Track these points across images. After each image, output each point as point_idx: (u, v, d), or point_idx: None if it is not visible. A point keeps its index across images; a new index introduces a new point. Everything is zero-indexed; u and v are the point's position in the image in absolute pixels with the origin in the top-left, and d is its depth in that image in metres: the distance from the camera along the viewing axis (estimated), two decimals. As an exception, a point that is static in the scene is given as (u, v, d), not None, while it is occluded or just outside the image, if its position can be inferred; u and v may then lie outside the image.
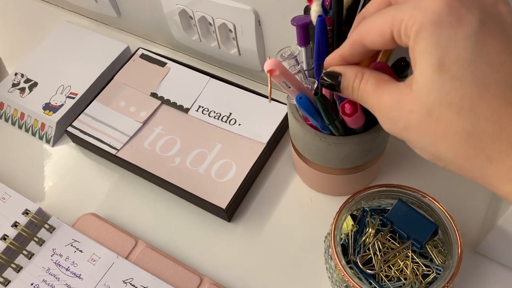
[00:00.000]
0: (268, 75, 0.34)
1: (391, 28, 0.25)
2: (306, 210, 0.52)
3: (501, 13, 0.24)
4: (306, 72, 0.42)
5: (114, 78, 0.61)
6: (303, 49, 0.40)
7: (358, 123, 0.40)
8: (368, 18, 0.28)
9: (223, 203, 0.49)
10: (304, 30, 0.39)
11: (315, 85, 0.40)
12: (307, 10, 0.42)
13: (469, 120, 0.23)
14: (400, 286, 0.39)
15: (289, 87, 0.36)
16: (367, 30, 0.27)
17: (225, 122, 0.56)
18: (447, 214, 0.40)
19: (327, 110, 0.37)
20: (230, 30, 0.55)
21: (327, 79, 0.30)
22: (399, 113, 0.26)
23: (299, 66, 0.40)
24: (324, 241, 0.44)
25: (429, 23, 0.23)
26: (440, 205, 0.40)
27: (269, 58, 0.34)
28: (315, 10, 0.36)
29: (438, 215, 0.40)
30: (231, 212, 0.51)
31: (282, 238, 0.50)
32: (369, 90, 0.28)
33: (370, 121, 0.42)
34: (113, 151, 0.55)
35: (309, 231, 0.50)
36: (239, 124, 0.55)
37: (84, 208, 0.54)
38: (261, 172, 0.54)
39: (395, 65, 0.38)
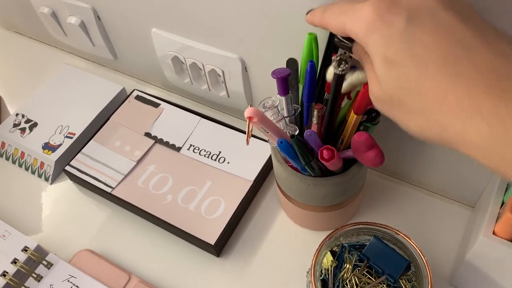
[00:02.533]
0: (247, 121, 0.38)
1: (342, 30, 0.31)
2: (291, 244, 0.54)
3: (430, 7, 0.27)
4: (287, 119, 0.45)
5: (110, 118, 0.65)
6: (283, 98, 0.44)
7: (336, 167, 0.43)
8: (328, 13, 0.33)
9: (212, 239, 0.52)
10: (284, 82, 0.43)
11: (297, 132, 0.44)
12: (288, 63, 0.46)
13: (418, 98, 0.27)
14: (376, 319, 0.42)
15: (267, 132, 0.40)
16: (327, 23, 0.33)
17: (215, 160, 0.59)
18: (418, 250, 0.43)
19: (303, 151, 0.41)
20: (219, 75, 0.58)
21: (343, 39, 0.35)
22: (376, 93, 0.30)
23: (280, 114, 0.44)
24: (306, 276, 0.47)
25: (367, 31, 0.28)
26: (412, 242, 0.43)
27: (250, 106, 0.38)
28: (330, 72, 0.39)
29: (410, 251, 0.43)
30: (219, 247, 0.53)
31: (268, 272, 0.53)
32: (369, 66, 0.32)
33: (347, 163, 0.45)
34: (108, 189, 0.58)
35: (294, 265, 0.53)
36: (228, 162, 0.59)
37: (80, 244, 0.56)
38: (248, 208, 0.57)
39: (369, 115, 0.42)
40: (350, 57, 0.36)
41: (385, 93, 0.29)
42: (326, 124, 0.43)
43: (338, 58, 0.36)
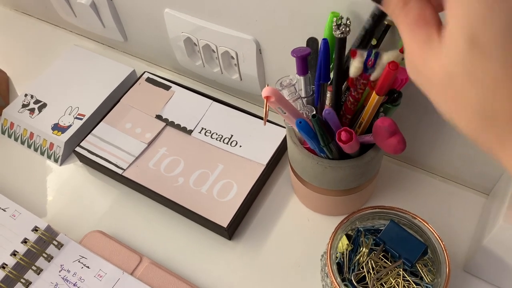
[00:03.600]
0: (265, 100, 0.37)
1: None
2: (304, 229, 0.54)
3: None
4: (304, 99, 0.44)
5: (121, 100, 0.64)
6: (302, 78, 0.43)
7: (353, 149, 0.43)
8: None
9: (224, 222, 0.52)
10: (303, 61, 0.42)
11: (314, 112, 0.43)
12: (309, 42, 0.45)
13: (488, 98, 0.23)
14: (392, 303, 0.42)
15: (285, 113, 0.39)
16: None
17: (227, 144, 0.59)
18: (436, 235, 0.42)
19: (323, 132, 0.40)
20: (232, 57, 0.58)
21: None
22: (423, 66, 0.25)
23: (297, 93, 0.43)
24: (321, 259, 0.46)
25: None
26: (429, 226, 0.43)
27: (267, 86, 0.37)
28: (356, 67, 0.38)
29: (427, 236, 0.43)
30: (232, 230, 0.53)
31: (280, 256, 0.52)
32: (406, 24, 0.26)
33: (364, 147, 0.45)
34: (119, 171, 0.57)
35: (307, 250, 0.52)
36: (240, 146, 0.58)
37: (90, 225, 0.56)
38: (260, 192, 0.57)
39: (389, 96, 0.41)
40: (348, 19, 0.36)
41: (447, 72, 0.24)
42: (334, 91, 0.42)
43: (337, 22, 0.36)
